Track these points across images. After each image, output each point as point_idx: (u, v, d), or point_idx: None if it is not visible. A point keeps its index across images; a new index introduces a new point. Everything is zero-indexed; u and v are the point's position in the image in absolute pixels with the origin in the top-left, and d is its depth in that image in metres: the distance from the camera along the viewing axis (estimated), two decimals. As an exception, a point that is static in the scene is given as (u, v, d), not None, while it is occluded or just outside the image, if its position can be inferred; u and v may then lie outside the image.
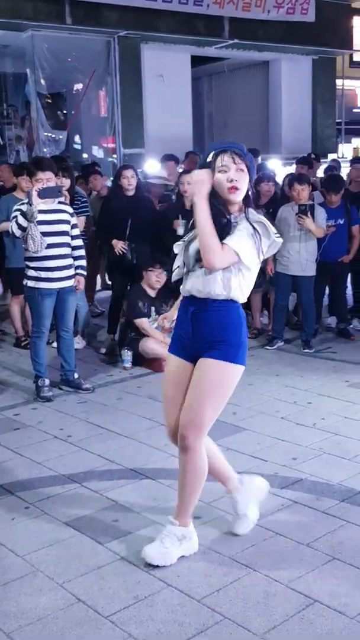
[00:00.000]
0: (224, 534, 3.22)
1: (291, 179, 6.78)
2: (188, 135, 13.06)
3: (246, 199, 2.89)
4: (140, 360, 6.05)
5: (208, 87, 16.99)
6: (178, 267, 2.99)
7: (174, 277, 3.06)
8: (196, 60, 13.91)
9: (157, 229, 6.52)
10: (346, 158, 13.15)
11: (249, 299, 7.67)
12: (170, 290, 6.38)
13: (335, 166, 9.88)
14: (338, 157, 13.63)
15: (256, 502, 3.24)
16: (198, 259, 2.87)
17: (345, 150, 16.07)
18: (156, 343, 5.97)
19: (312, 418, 4.67)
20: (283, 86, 14.58)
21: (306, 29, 13.31)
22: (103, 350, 6.49)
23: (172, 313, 3.26)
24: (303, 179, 6.55)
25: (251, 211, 2.90)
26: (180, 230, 6.33)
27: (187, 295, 2.95)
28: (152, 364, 5.98)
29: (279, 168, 10.72)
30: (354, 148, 14.40)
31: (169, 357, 3.03)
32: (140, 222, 6.31)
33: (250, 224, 2.85)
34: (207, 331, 2.89)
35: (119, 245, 6.29)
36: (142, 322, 6.06)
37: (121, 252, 6.31)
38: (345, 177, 8.05)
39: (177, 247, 3.02)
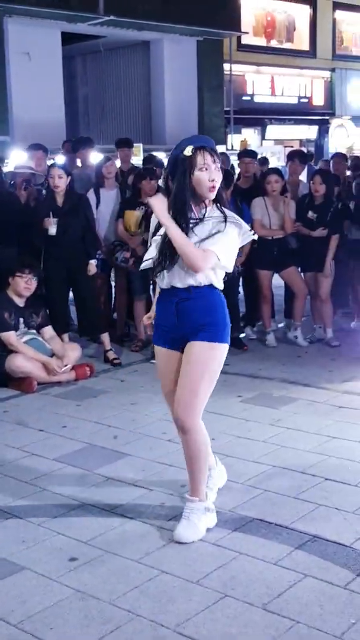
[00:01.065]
0: (102, 577, 3.19)
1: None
2: (60, 122, 12.97)
3: (219, 195, 3.38)
4: (7, 380, 5.92)
5: (82, 69, 16.94)
6: (151, 258, 3.42)
7: (144, 266, 3.49)
8: (68, 38, 13.84)
9: (25, 229, 6.42)
10: (236, 150, 13.49)
11: (131, 308, 7.72)
12: (41, 299, 6.29)
13: (223, 160, 10.09)
14: (227, 149, 13.97)
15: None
16: (172, 254, 3.32)
17: (235, 141, 16.49)
18: (25, 360, 5.86)
19: (201, 439, 4.72)
20: (166, 70, 14.80)
21: (190, 7, 13.55)
22: None
23: (153, 309, 3.65)
24: None
25: (224, 209, 3.41)
26: (52, 230, 6.26)
27: (167, 287, 3.41)
28: (21, 384, 5.85)
29: (164, 161, 10.83)
30: (241, 141, 14.79)
31: (158, 350, 3.53)
32: (4, 221, 6.18)
33: (224, 215, 3.35)
34: (193, 317, 3.38)
35: None
36: (9, 336, 5.92)
37: (-18, 256, 6.15)
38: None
39: (154, 242, 3.45)
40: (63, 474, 4.26)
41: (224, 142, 15.48)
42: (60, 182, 6.35)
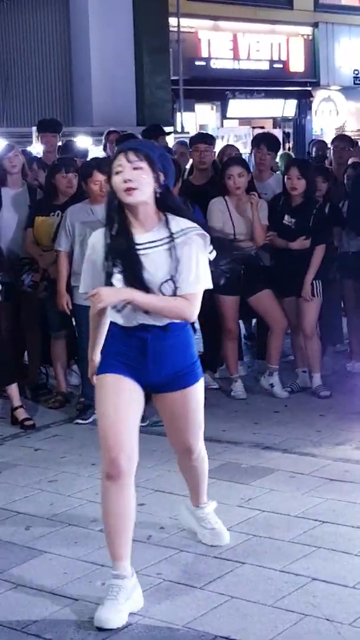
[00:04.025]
0: None
1: (87, 165, 6.86)
2: None
3: (162, 202, 3.85)
4: None
5: (-22, 25, 17.02)
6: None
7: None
8: None
9: None
10: (187, 133, 13.62)
11: (48, 350, 7.74)
12: None
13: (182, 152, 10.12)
14: (176, 132, 14.11)
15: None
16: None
17: (187, 121, 16.60)
18: None
19: (145, 528, 4.74)
20: (92, 26, 14.93)
21: None
22: None
23: None
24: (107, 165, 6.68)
25: (173, 219, 3.86)
26: None
27: (135, 324, 3.91)
28: None
29: (91, 148, 10.94)
30: (201, 126, 14.88)
31: (111, 377, 3.99)
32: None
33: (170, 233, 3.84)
34: (171, 361, 4.02)
35: None
36: None
37: None
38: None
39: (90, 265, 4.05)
40: None
41: (171, 122, 15.58)
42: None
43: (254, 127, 17.13)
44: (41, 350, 7.45)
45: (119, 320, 3.93)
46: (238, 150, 9.72)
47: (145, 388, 4.06)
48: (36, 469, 5.77)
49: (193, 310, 3.94)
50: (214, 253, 3.97)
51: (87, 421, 6.60)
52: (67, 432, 6.48)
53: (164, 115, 15.35)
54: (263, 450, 5.95)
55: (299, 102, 22.26)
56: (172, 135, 12.78)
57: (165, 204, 3.87)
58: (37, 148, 11.12)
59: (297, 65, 21.96)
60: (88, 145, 11.23)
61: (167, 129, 14.14)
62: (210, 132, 11.28)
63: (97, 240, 3.96)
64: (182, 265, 3.81)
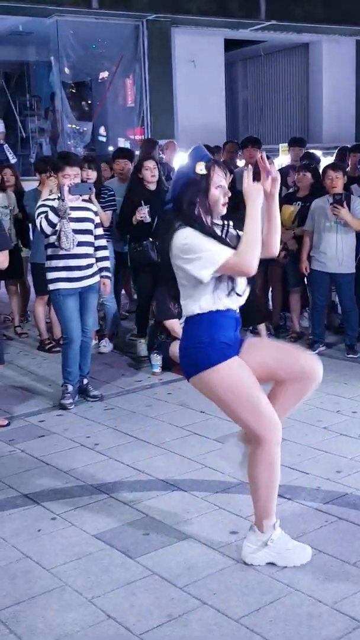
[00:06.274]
0: (263, 551, 3.22)
1: (325, 166, 6.79)
2: (221, 125, 13.11)
3: None
4: (170, 365, 6.08)
5: (242, 73, 17.03)
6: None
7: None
8: (230, 44, 13.94)
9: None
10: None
11: (286, 299, 7.69)
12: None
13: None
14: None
15: None
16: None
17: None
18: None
19: (357, 429, 4.66)
20: (324, 70, 14.55)
21: (349, 7, 13.23)
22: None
23: None
24: (337, 166, 6.57)
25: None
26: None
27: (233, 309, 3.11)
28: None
29: (321, 158, 10.68)
30: None
31: (238, 361, 3.05)
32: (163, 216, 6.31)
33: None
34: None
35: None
36: (173, 324, 6.08)
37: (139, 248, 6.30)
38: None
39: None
40: (223, 454, 4.33)
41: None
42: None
43: None
44: (282, 300, 7.43)
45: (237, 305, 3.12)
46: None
47: None
48: (278, 382, 5.76)
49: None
50: None
51: (313, 352, 6.47)
52: (299, 358, 6.43)
53: (376, 134, 14.84)
54: None
55: None
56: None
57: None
58: (282, 159, 11.03)
59: None
60: (319, 156, 10.99)
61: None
62: None
63: None
64: None
